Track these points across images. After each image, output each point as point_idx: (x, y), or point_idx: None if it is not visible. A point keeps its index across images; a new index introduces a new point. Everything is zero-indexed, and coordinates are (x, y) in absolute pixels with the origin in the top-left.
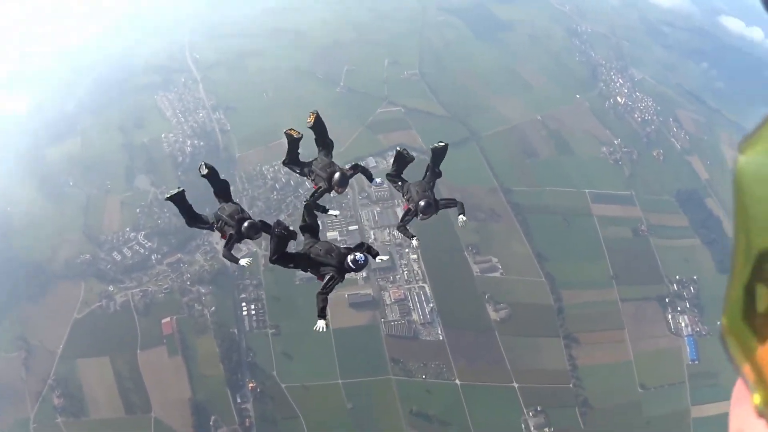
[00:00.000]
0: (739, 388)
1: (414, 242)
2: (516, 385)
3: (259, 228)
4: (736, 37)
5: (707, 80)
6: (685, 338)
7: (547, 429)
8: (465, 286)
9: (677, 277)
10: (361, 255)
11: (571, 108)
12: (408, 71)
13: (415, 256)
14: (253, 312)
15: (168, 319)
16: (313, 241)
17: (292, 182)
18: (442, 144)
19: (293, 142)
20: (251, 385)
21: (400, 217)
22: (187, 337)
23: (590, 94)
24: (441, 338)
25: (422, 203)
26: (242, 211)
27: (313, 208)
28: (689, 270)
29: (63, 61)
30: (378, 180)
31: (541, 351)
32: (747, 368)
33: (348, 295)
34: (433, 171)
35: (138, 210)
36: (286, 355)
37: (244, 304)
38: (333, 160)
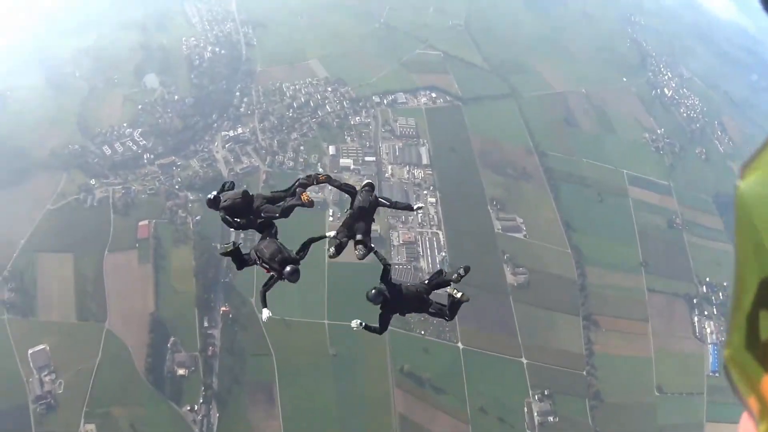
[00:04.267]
0: (745, 421)
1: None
2: (525, 360)
3: (300, 274)
4: None
5: (756, 92)
6: (710, 346)
7: (551, 418)
8: (483, 242)
9: (707, 279)
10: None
11: (617, 89)
12: (453, 21)
13: (433, 200)
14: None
15: (146, 222)
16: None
17: (311, 103)
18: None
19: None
20: (224, 309)
21: None
22: (162, 244)
23: (638, 80)
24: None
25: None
26: (282, 250)
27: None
28: (720, 275)
29: None
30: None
31: (557, 328)
32: (752, 399)
33: None
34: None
35: (140, 107)
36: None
37: None
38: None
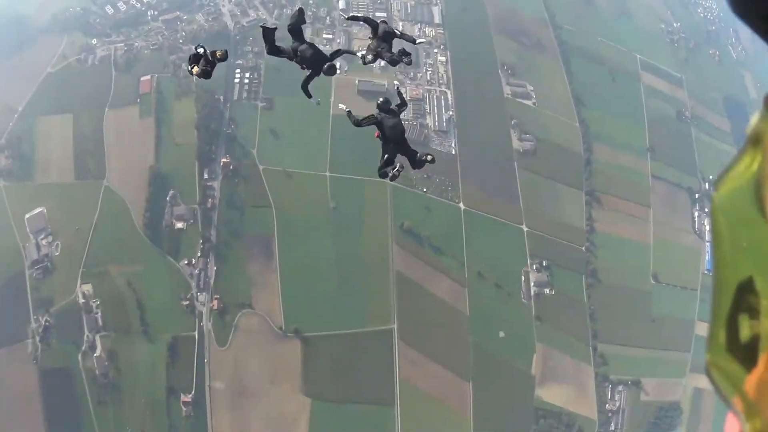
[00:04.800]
0: (730, 423)
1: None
2: (525, 228)
3: (336, 69)
4: None
5: None
6: (707, 243)
7: (547, 290)
8: (492, 105)
9: (711, 177)
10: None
11: None
12: None
13: (443, 58)
14: (247, 81)
15: (148, 76)
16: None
17: None
18: None
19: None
20: (224, 161)
21: None
22: (165, 98)
23: None
24: (453, 152)
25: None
26: (318, 51)
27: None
28: None
29: None
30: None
31: (560, 199)
32: (737, 399)
33: (359, 81)
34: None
35: None
36: (273, 133)
37: (238, 71)
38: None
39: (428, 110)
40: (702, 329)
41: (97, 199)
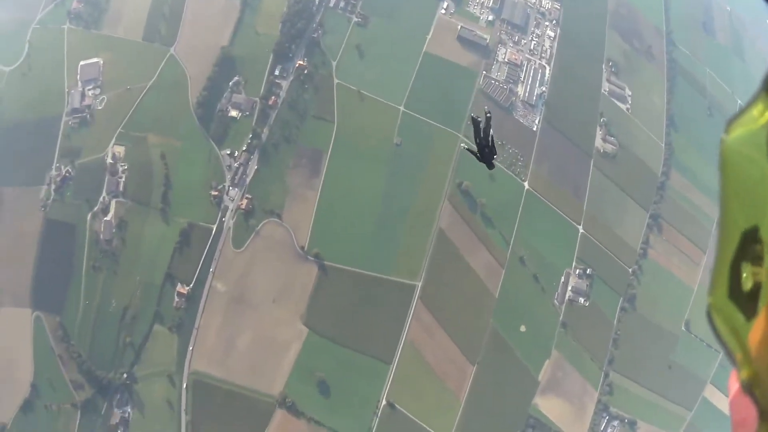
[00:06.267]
0: (734, 377)
1: None
2: (581, 230)
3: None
4: None
5: None
6: None
7: (582, 300)
8: (586, 95)
9: None
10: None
11: (760, 23)
12: None
13: (552, 33)
14: None
15: None
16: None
17: None
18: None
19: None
20: (300, 62)
21: None
22: None
23: None
24: (535, 129)
25: None
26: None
27: None
28: None
29: None
30: None
31: (624, 212)
32: (733, 345)
33: (461, 26)
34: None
35: None
36: (359, 51)
37: None
38: None
39: (522, 79)
40: (710, 392)
41: (159, 65)
